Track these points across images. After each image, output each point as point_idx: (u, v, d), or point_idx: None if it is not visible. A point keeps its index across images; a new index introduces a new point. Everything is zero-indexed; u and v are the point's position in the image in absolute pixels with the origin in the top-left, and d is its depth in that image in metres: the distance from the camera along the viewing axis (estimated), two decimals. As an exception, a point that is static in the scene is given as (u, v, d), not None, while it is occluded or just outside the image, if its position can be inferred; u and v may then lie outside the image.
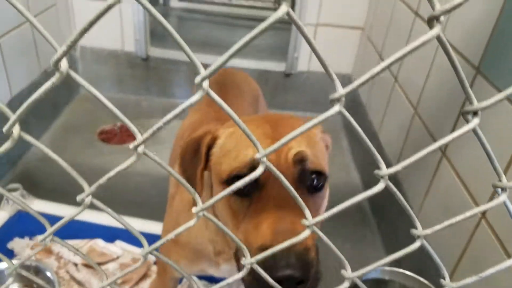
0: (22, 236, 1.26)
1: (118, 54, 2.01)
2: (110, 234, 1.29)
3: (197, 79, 0.28)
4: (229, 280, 0.40)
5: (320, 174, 0.60)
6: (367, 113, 1.74)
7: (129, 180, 1.61)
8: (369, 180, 1.63)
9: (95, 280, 1.15)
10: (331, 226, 1.52)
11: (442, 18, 0.24)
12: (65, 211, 1.35)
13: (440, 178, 1.08)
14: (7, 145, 0.33)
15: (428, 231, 0.34)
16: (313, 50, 0.28)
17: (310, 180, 0.59)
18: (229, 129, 0.65)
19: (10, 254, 1.21)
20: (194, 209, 0.35)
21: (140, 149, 0.32)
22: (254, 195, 0.57)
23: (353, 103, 1.92)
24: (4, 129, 0.33)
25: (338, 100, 0.27)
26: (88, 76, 2.07)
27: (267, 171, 0.32)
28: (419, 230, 0.35)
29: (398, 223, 1.33)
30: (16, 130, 0.33)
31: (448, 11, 0.24)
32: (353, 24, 1.90)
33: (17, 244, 1.24)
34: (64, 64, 0.29)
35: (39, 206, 1.37)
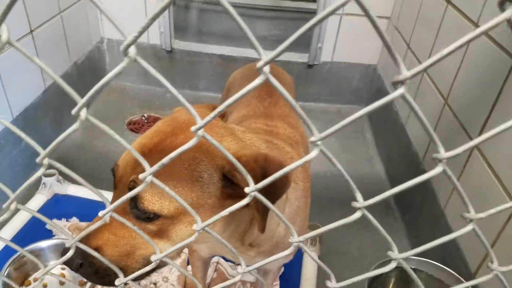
0: (59, 218, 1.34)
1: (143, 47, 2.04)
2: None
3: (260, 63, 0.29)
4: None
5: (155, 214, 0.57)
6: (394, 104, 1.73)
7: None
8: (395, 173, 1.63)
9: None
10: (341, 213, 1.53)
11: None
12: (91, 194, 1.41)
13: (471, 169, 1.08)
14: (75, 126, 0.35)
15: (482, 214, 0.35)
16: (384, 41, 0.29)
17: (139, 212, 0.58)
18: None
19: (50, 235, 1.28)
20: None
21: (200, 132, 0.33)
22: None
23: (379, 93, 1.92)
24: (73, 111, 0.35)
25: (402, 82, 0.27)
26: (115, 67, 2.11)
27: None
28: (471, 214, 0.36)
29: (423, 212, 1.33)
30: (84, 112, 0.35)
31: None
32: (379, 14, 1.88)
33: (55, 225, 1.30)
34: (132, 50, 0.31)
35: (74, 190, 1.43)
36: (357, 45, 1.96)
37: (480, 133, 1.04)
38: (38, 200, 1.37)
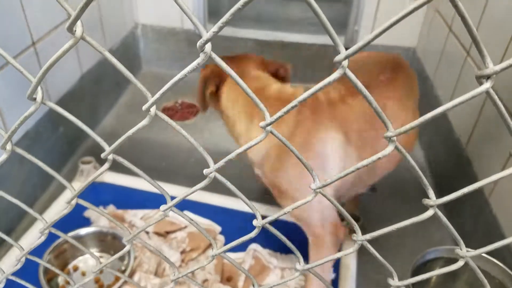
0: (97, 206, 1.34)
1: (177, 32, 2.04)
2: (178, 205, 1.34)
3: (339, 57, 0.28)
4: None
5: None
6: (434, 88, 1.65)
7: (189, 155, 1.66)
8: (436, 161, 1.57)
9: (166, 247, 1.21)
10: (393, 205, 1.50)
11: None
12: (134, 182, 1.43)
13: None
14: (145, 121, 0.36)
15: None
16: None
17: None
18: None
19: (87, 222, 1.31)
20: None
21: (208, 47, 0.32)
22: None
23: (418, 76, 1.83)
24: (144, 107, 0.36)
25: (488, 77, 0.25)
26: (149, 53, 2.13)
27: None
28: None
29: (465, 200, 1.28)
30: (153, 109, 0.36)
31: None
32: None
33: (93, 213, 1.33)
34: (208, 46, 0.30)
35: (110, 178, 1.45)
36: (395, 27, 1.87)
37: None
38: (75, 188, 1.40)
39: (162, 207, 0.42)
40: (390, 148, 0.30)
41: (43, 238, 0.48)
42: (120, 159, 0.39)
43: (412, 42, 1.93)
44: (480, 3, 1.30)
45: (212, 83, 1.09)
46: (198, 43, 0.29)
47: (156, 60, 2.15)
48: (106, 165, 0.39)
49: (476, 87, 0.90)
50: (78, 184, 1.42)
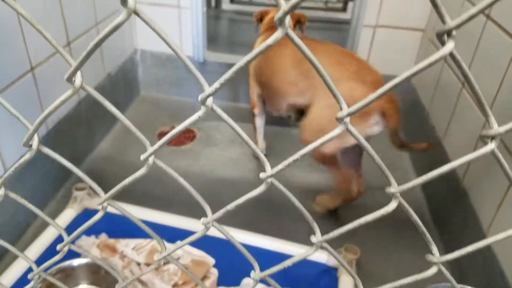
0: (88, 234, 1.32)
1: (176, 58, 2.06)
2: (171, 235, 1.33)
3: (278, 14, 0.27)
4: None
5: None
6: (430, 118, 1.67)
7: (186, 180, 1.64)
8: (433, 191, 1.56)
9: (157, 280, 1.18)
10: (392, 235, 1.48)
11: None
12: (129, 210, 1.40)
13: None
14: (143, 170, 0.36)
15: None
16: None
17: None
18: None
19: (77, 253, 1.28)
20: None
21: (209, 101, 0.32)
22: None
23: (414, 106, 1.86)
24: (142, 157, 0.35)
25: (493, 138, 0.25)
26: (148, 78, 2.15)
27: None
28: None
29: (463, 232, 1.27)
30: (152, 158, 0.35)
31: None
32: (413, 26, 1.84)
33: (84, 242, 1.30)
34: (210, 100, 0.31)
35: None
36: (392, 56, 1.92)
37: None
38: (68, 215, 1.37)
39: (156, 256, 0.40)
40: (393, 205, 0.30)
41: (32, 283, 0.47)
42: (117, 204, 0.38)
43: (408, 68, 1.95)
44: (473, 39, 1.33)
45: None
46: (200, 97, 0.30)
47: (155, 85, 2.16)
48: (101, 213, 0.38)
49: (472, 118, 0.91)
50: (71, 211, 1.41)
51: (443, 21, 0.23)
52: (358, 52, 1.92)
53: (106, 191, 0.40)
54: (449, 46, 0.23)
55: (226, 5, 3.13)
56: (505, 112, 1.12)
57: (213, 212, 0.39)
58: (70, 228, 1.34)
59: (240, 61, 0.29)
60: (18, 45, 1.23)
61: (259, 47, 0.30)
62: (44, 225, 1.35)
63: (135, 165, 1.76)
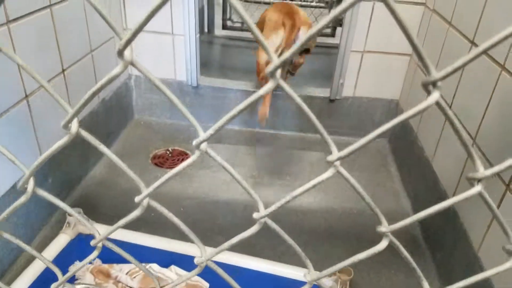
0: (82, 260, 1.32)
1: (170, 83, 2.10)
2: (165, 259, 1.33)
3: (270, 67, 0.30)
4: None
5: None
6: (418, 140, 1.71)
7: (180, 204, 1.65)
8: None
9: (152, 304, 1.18)
10: (385, 256, 1.49)
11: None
12: (123, 235, 1.41)
13: (505, 214, 1.04)
14: (136, 212, 0.37)
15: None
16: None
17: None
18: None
19: (71, 278, 1.27)
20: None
21: (203, 146, 0.34)
22: None
23: (403, 128, 1.90)
24: (137, 199, 0.37)
25: (479, 180, 0.27)
26: (142, 103, 2.17)
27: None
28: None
29: (454, 252, 1.29)
30: (146, 200, 0.36)
31: None
32: (400, 51, 1.90)
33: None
34: (204, 145, 0.33)
35: (98, 229, 1.43)
36: (379, 80, 1.97)
37: (513, 175, 1.01)
38: (62, 240, 1.37)
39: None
40: (384, 243, 0.32)
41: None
42: (110, 244, 0.39)
43: (395, 95, 2.01)
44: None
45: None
46: (195, 142, 0.32)
47: (148, 109, 2.19)
48: (96, 253, 0.39)
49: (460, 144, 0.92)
50: (65, 237, 1.40)
51: (428, 72, 0.26)
52: (347, 75, 1.97)
53: (100, 216, 0.42)
54: (435, 96, 0.26)
55: (218, 31, 3.20)
56: (490, 137, 1.16)
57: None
58: (64, 254, 1.33)
59: (233, 110, 0.31)
60: (13, 73, 1.25)
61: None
62: (38, 250, 1.34)
63: (129, 190, 1.78)
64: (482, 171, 0.27)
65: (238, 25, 3.24)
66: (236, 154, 2.01)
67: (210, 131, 0.31)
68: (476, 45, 1.28)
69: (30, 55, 1.32)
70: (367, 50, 1.90)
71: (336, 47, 1.92)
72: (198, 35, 1.99)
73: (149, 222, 1.54)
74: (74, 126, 0.32)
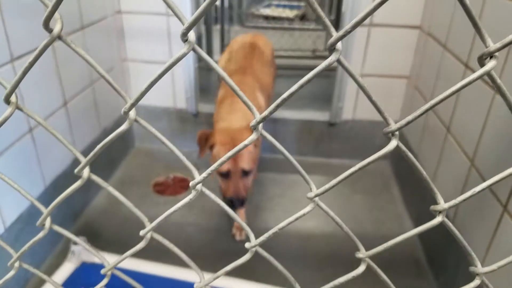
0: (88, 287, 1.33)
1: (170, 111, 2.13)
2: (169, 286, 1.33)
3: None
4: None
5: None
6: (419, 160, 1.71)
7: (181, 231, 1.65)
8: (426, 233, 1.58)
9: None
10: (387, 277, 1.48)
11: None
12: (124, 263, 1.40)
13: (503, 234, 1.04)
14: (141, 245, 0.38)
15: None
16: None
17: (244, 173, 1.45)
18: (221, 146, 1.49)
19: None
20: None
21: (199, 186, 0.36)
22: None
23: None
24: (142, 233, 0.38)
25: (441, 212, 0.28)
26: (142, 131, 2.20)
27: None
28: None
29: (458, 274, 1.28)
30: (149, 234, 0.38)
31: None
32: (398, 74, 1.93)
33: (80, 297, 1.29)
34: (199, 185, 0.34)
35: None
36: (378, 103, 1.99)
37: (509, 198, 1.02)
38: (66, 269, 1.38)
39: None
40: (362, 268, 0.33)
41: None
42: (118, 272, 0.40)
43: (394, 115, 2.03)
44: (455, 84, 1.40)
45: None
46: (191, 184, 0.34)
47: (149, 137, 2.21)
48: (105, 280, 0.40)
49: (458, 159, 0.94)
50: (70, 265, 1.40)
51: (485, 44, 0.28)
52: (346, 98, 2.00)
53: (103, 244, 0.43)
54: (491, 64, 0.28)
55: (217, 57, 3.26)
56: (488, 155, 1.17)
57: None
58: (68, 283, 1.34)
59: (222, 157, 0.34)
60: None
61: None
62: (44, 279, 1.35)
63: (130, 217, 1.78)
64: (442, 204, 0.29)
65: (237, 51, 3.31)
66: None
67: (204, 174, 0.33)
68: (471, 68, 1.30)
69: (34, 88, 1.36)
70: (365, 73, 1.93)
71: (334, 70, 1.95)
72: (196, 65, 2.04)
73: (151, 249, 1.53)
74: (86, 172, 0.36)
